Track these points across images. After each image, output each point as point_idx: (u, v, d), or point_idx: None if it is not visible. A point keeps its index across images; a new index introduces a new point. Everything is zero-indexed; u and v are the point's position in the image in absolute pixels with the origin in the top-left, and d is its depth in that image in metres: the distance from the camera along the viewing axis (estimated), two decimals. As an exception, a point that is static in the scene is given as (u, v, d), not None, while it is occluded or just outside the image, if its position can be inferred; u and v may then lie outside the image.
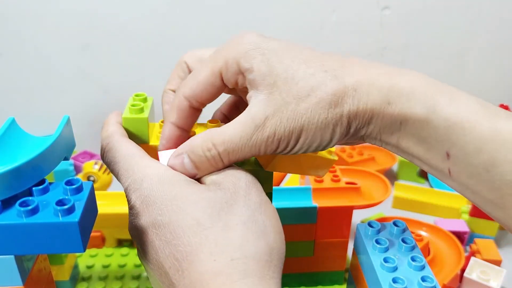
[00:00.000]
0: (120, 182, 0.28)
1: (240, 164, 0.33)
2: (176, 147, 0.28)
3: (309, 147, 0.27)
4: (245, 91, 0.28)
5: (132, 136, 0.31)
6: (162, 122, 0.33)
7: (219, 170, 0.27)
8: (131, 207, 0.26)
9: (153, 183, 0.26)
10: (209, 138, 0.27)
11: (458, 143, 0.25)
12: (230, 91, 0.33)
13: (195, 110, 0.30)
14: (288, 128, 0.26)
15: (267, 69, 0.26)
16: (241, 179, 0.26)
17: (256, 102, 0.26)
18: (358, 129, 0.27)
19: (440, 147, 0.25)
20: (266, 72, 0.26)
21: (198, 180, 0.28)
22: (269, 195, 0.34)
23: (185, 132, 0.30)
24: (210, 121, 0.34)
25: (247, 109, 0.27)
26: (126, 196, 0.27)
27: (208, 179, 0.27)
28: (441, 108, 0.25)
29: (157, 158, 0.31)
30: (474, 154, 0.24)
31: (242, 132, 0.26)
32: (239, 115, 0.27)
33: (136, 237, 0.26)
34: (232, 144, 0.26)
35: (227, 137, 0.26)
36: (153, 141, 0.31)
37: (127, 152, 0.28)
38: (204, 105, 0.30)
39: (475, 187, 0.25)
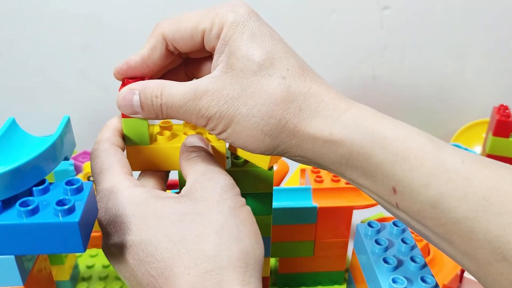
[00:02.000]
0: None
1: (241, 164, 0.33)
2: (127, 76, 0.30)
3: (235, 142, 0.27)
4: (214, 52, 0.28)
5: (132, 138, 0.31)
6: (162, 123, 0.33)
7: (158, 116, 0.28)
8: (102, 227, 0.26)
9: (119, 203, 0.26)
10: (160, 86, 0.27)
11: (405, 180, 0.24)
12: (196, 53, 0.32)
13: (168, 52, 0.30)
14: (220, 112, 0.26)
15: (235, 49, 0.26)
16: (218, 183, 0.26)
17: (210, 75, 0.27)
18: (292, 149, 0.26)
19: (386, 181, 0.25)
20: (233, 51, 0.26)
21: None
22: (269, 195, 0.35)
23: (147, 69, 0.30)
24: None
25: (200, 79, 0.27)
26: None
27: (185, 187, 0.27)
28: (387, 142, 0.24)
29: (157, 158, 0.32)
30: (421, 190, 0.24)
31: (184, 95, 0.26)
32: (194, 79, 0.28)
33: (109, 256, 0.26)
34: (172, 101, 0.27)
35: (172, 92, 0.27)
36: (153, 143, 0.31)
37: (105, 164, 0.28)
38: (174, 55, 0.30)
39: (423, 221, 0.24)
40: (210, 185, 0.26)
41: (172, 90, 0.27)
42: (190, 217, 0.25)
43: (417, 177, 0.24)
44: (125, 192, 0.26)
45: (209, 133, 0.32)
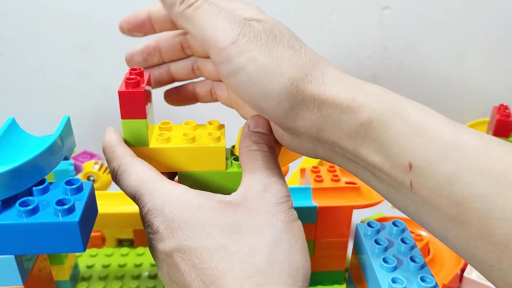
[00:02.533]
0: (137, 204, 0.28)
1: None
2: (132, 31, 0.31)
3: (249, 100, 0.26)
4: None
5: (131, 139, 0.31)
6: (162, 124, 0.33)
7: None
8: (154, 232, 0.26)
9: (175, 208, 0.26)
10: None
11: (422, 152, 0.23)
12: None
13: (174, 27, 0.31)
14: (246, 46, 0.25)
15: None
16: (274, 195, 0.26)
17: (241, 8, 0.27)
18: (308, 115, 0.25)
19: (402, 155, 0.24)
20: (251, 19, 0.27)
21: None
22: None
23: (151, 31, 0.32)
24: (210, 122, 0.34)
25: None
26: (146, 221, 0.27)
27: (236, 194, 0.27)
28: (407, 113, 0.24)
29: (156, 160, 0.31)
30: (438, 163, 0.23)
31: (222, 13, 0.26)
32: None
33: (160, 260, 0.27)
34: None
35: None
36: (153, 144, 0.31)
37: (144, 176, 0.28)
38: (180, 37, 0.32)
39: (436, 201, 0.23)
40: (266, 196, 0.26)
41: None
42: (245, 229, 0.25)
43: (434, 150, 0.23)
44: (178, 196, 0.26)
45: (209, 135, 0.32)
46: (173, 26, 0.32)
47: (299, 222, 0.27)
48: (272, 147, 0.29)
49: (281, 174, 0.28)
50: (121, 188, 0.29)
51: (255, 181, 0.27)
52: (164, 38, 0.33)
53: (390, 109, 0.24)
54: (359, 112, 0.24)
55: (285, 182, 0.28)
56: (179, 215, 0.25)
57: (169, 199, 0.26)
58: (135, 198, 0.28)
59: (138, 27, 0.32)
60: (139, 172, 0.28)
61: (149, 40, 0.33)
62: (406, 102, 0.25)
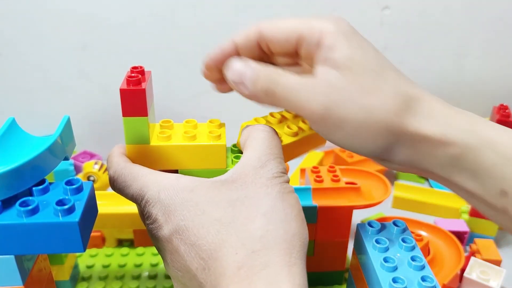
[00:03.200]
0: (135, 203, 0.29)
1: None
2: (217, 64, 0.31)
3: (342, 140, 0.28)
4: (307, 58, 0.29)
5: (132, 136, 0.31)
6: (163, 122, 0.33)
7: (262, 103, 0.29)
8: (153, 221, 0.27)
9: (171, 193, 0.26)
10: (276, 72, 0.28)
11: None
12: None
13: (259, 48, 0.31)
14: (337, 107, 0.27)
15: (349, 54, 0.27)
16: (270, 170, 0.27)
17: (325, 76, 0.27)
18: (401, 150, 0.27)
19: (495, 183, 0.26)
20: (347, 57, 0.27)
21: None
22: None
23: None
24: (210, 121, 0.34)
25: (315, 73, 0.28)
26: (145, 214, 0.28)
27: (231, 171, 0.27)
28: (497, 144, 0.26)
29: (157, 158, 0.31)
30: None
31: (299, 82, 0.28)
32: (298, 78, 0.28)
33: (161, 248, 0.27)
34: (287, 85, 0.28)
35: (289, 78, 0.28)
36: (154, 142, 0.31)
37: (137, 173, 0.29)
38: (260, 54, 0.31)
39: None
40: (261, 172, 0.27)
41: (286, 81, 0.28)
42: (239, 201, 0.25)
43: None
44: (172, 182, 0.27)
45: (209, 134, 0.32)
46: (262, 52, 0.31)
47: (295, 195, 0.27)
48: (276, 134, 0.30)
49: (281, 156, 0.29)
50: (119, 192, 0.30)
51: (253, 159, 0.27)
52: (241, 40, 0.31)
53: (481, 142, 0.26)
54: (451, 147, 0.26)
55: (283, 161, 0.28)
56: (175, 198, 0.26)
57: (164, 186, 0.27)
58: (133, 196, 0.28)
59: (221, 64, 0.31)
60: (132, 172, 0.29)
61: (225, 44, 0.31)
62: (496, 133, 0.26)
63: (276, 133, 0.30)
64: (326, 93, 0.27)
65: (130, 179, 0.28)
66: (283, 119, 0.34)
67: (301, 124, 0.35)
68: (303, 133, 0.34)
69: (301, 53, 0.29)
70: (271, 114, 0.35)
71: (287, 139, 0.33)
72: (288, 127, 0.33)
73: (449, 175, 0.27)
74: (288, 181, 0.28)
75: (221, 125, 0.33)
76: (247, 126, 0.31)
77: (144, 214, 0.28)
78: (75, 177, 0.28)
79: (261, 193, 0.26)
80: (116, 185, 0.30)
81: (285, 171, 0.28)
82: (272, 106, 0.29)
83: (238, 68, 0.29)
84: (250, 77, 0.28)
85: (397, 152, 0.28)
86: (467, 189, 0.27)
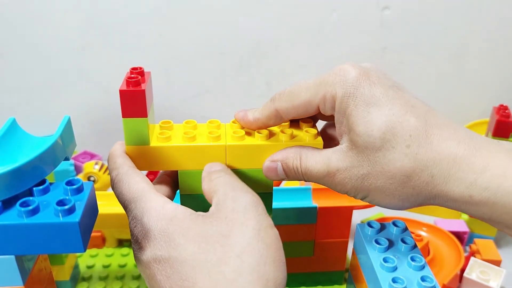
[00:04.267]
0: (126, 213, 0.29)
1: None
2: (249, 127, 0.32)
3: (378, 204, 0.29)
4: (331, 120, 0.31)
5: (132, 137, 0.31)
6: (162, 123, 0.33)
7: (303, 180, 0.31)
8: (135, 241, 0.27)
9: (152, 219, 0.26)
10: (298, 157, 0.30)
11: None
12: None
13: (280, 120, 0.32)
14: (355, 188, 0.28)
15: (353, 125, 0.27)
16: (240, 202, 0.26)
17: (338, 149, 0.28)
18: (433, 204, 0.27)
19: None
20: (352, 127, 0.27)
21: None
22: (269, 195, 0.35)
23: (257, 126, 0.32)
24: (210, 121, 0.34)
25: (329, 151, 0.29)
26: (130, 230, 0.28)
27: (211, 207, 0.27)
28: None
29: (157, 159, 0.32)
30: None
31: (318, 171, 0.29)
32: (323, 151, 0.29)
33: (141, 270, 0.27)
34: (310, 174, 0.29)
35: (308, 166, 0.29)
36: (154, 143, 0.31)
37: (133, 187, 0.28)
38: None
39: None
40: (233, 206, 0.26)
41: (308, 163, 0.29)
42: (214, 238, 0.25)
43: None
44: (157, 207, 0.27)
45: (210, 135, 0.32)
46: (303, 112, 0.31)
47: (274, 230, 0.27)
48: (231, 173, 0.30)
49: (247, 187, 0.29)
50: (116, 196, 0.30)
51: (221, 197, 0.27)
52: (264, 120, 0.32)
53: (509, 201, 0.24)
54: (478, 205, 0.25)
55: (253, 193, 0.28)
56: (154, 226, 0.26)
57: (148, 210, 0.27)
58: (124, 206, 0.29)
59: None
60: (131, 183, 0.29)
61: (248, 120, 0.32)
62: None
63: (231, 172, 0.30)
64: (340, 180, 0.28)
65: (126, 188, 0.29)
66: (270, 135, 0.33)
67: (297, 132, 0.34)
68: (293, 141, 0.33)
69: (324, 114, 0.30)
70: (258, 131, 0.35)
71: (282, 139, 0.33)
72: (282, 131, 0.33)
73: (488, 217, 0.26)
74: (264, 212, 0.27)
75: (221, 125, 0.33)
76: (204, 177, 0.30)
77: (130, 230, 0.28)
78: (75, 178, 0.28)
79: (235, 231, 0.25)
80: (115, 189, 0.30)
81: (258, 199, 0.27)
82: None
83: (267, 166, 0.31)
84: (280, 171, 0.31)
85: (421, 206, 0.28)
86: (505, 231, 0.27)
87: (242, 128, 0.33)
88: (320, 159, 0.29)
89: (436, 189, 0.26)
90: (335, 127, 0.30)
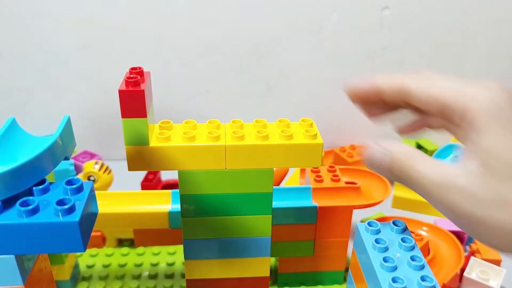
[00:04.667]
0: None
1: None
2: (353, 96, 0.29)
3: (481, 240, 0.25)
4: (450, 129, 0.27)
5: (132, 137, 0.31)
6: (162, 123, 0.33)
7: (397, 180, 0.27)
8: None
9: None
10: (412, 159, 0.26)
11: None
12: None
13: (392, 103, 0.28)
14: (469, 214, 0.24)
15: (495, 148, 0.23)
16: None
17: (464, 167, 0.24)
18: None
19: None
20: (492, 150, 0.23)
21: None
22: (269, 195, 0.35)
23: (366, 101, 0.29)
24: (209, 121, 0.34)
25: (455, 166, 0.25)
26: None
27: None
28: None
29: (156, 159, 0.32)
30: None
31: (432, 181, 0.25)
32: (437, 165, 0.25)
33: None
34: (419, 181, 0.25)
35: (422, 173, 0.25)
36: (153, 143, 0.31)
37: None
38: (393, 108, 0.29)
39: None
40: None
41: (422, 170, 0.25)
42: None
43: None
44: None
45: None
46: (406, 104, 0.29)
47: None
48: None
49: None
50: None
51: None
52: (384, 88, 0.28)
53: None
54: None
55: None
56: None
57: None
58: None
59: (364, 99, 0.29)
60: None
61: (366, 84, 0.29)
62: None
63: None
64: (455, 200, 0.24)
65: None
66: (270, 136, 0.32)
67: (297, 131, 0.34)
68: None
69: (444, 119, 0.26)
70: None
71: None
72: (282, 131, 0.33)
73: None
74: None
75: (220, 125, 0.34)
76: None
77: None
78: (75, 177, 0.28)
79: None
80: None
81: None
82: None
83: (378, 151, 0.27)
84: (387, 163, 0.26)
85: None
86: None
87: (242, 128, 0.33)
88: (437, 168, 0.25)
89: None
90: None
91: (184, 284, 0.45)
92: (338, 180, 0.44)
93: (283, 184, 0.58)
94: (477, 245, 0.48)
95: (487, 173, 0.23)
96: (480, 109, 0.24)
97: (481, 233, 0.24)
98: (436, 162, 0.26)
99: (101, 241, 0.50)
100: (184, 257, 0.37)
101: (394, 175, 0.27)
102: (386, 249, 0.31)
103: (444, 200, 0.25)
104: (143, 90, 0.29)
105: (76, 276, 0.46)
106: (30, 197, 0.26)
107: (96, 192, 0.30)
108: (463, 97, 0.24)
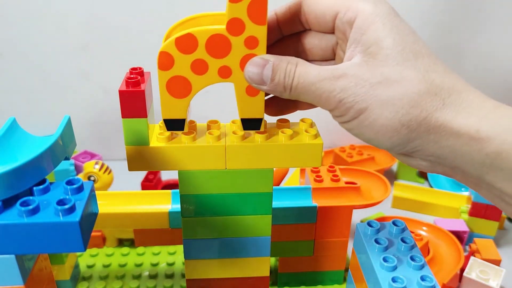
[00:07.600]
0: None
1: None
2: None
3: (363, 133, 0.26)
4: (340, 37, 0.29)
5: (132, 138, 0.31)
6: (162, 123, 0.33)
7: (282, 93, 0.28)
8: None
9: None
10: (295, 60, 0.27)
11: None
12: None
13: (299, 23, 0.30)
14: (355, 95, 0.25)
15: (377, 39, 0.26)
16: None
17: (349, 62, 0.26)
18: (427, 146, 0.25)
19: None
20: (374, 41, 0.26)
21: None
22: (269, 195, 0.35)
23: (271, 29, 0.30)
24: (210, 121, 0.34)
25: (334, 64, 0.28)
26: None
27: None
28: None
29: (157, 159, 0.32)
30: None
31: (319, 73, 0.26)
32: (324, 67, 0.27)
33: None
34: (306, 76, 0.26)
35: (308, 69, 0.27)
36: (153, 143, 0.31)
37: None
38: (295, 29, 0.31)
39: None
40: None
41: (308, 67, 0.27)
42: None
43: None
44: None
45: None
46: (301, 27, 0.31)
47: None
48: None
49: None
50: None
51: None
52: (282, 11, 0.31)
53: None
54: (484, 143, 0.24)
55: None
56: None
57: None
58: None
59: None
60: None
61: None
62: None
63: None
64: (343, 85, 0.25)
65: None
66: (270, 136, 0.33)
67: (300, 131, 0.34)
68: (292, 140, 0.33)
69: (336, 33, 0.28)
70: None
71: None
72: (282, 131, 0.33)
73: (479, 174, 0.25)
74: None
75: (221, 125, 0.34)
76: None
77: None
78: (75, 177, 0.28)
79: None
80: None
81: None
82: (296, 99, 0.28)
83: (254, 61, 0.28)
84: (267, 72, 0.27)
85: (421, 148, 0.25)
86: (501, 190, 0.24)
87: (242, 128, 0.33)
88: (324, 67, 0.27)
89: (443, 118, 0.24)
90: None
91: (184, 284, 0.46)
92: (338, 180, 0.44)
93: (283, 184, 0.58)
94: (477, 245, 0.48)
95: (370, 60, 0.26)
96: (368, 12, 0.26)
97: (362, 122, 0.26)
98: (320, 66, 0.27)
99: (101, 241, 0.50)
100: (184, 257, 0.37)
101: (275, 84, 0.27)
102: (386, 249, 0.31)
103: (328, 88, 0.26)
104: (143, 90, 0.29)
105: (76, 276, 0.46)
106: (31, 197, 0.26)
107: (96, 192, 0.30)
108: (354, 6, 0.27)
